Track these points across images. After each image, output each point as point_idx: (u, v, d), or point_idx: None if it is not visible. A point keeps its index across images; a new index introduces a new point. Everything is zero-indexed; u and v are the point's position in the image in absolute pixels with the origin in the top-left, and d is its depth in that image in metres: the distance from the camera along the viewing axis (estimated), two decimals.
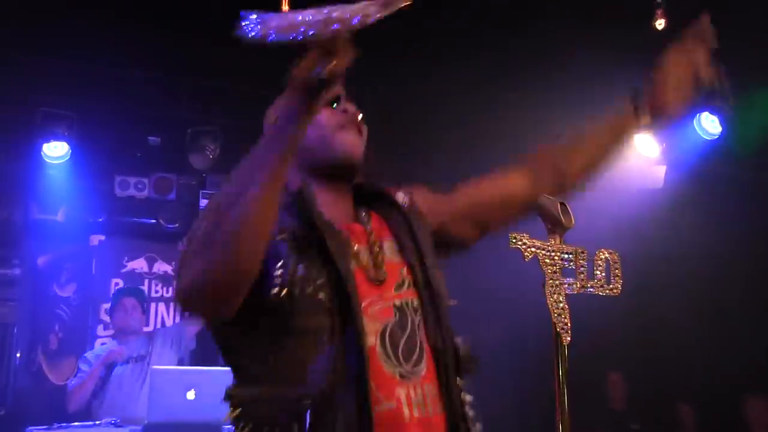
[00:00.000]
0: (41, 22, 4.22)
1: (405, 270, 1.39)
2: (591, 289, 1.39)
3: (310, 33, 1.00)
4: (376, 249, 1.38)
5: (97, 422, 3.71)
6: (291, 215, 1.31)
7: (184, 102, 5.16)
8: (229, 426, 1.30)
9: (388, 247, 1.42)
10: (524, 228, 1.58)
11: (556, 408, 1.31)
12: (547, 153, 1.66)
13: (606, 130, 1.66)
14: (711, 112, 5.01)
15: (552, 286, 1.38)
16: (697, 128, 5.13)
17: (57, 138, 4.98)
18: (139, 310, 4.34)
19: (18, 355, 5.47)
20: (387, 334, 1.30)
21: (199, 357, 4.54)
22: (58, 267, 5.67)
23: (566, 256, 1.39)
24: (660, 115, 1.60)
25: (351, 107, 1.44)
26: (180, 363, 4.24)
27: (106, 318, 5.28)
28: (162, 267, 5.87)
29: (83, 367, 4.09)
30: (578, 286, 1.38)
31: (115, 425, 3.58)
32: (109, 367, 4.04)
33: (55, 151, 5.04)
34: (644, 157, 5.40)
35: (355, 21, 1.01)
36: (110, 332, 4.94)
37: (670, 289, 5.53)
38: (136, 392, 3.94)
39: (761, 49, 4.13)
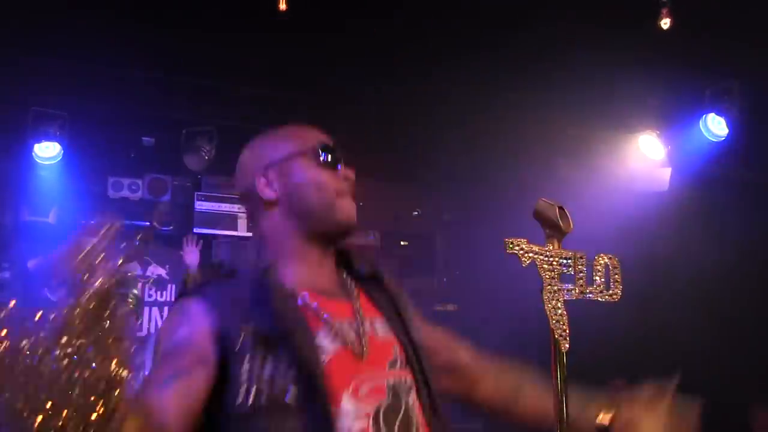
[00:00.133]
0: (32, 21, 4.17)
1: (398, 348, 1.37)
2: (590, 295, 1.32)
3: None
4: (367, 326, 1.36)
5: None
6: (258, 300, 1.26)
7: (179, 102, 5.09)
8: None
9: (380, 326, 1.40)
10: (523, 234, 1.52)
11: (555, 416, 1.25)
12: (521, 388, 1.62)
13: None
14: (717, 114, 4.94)
15: (550, 292, 1.31)
16: (703, 130, 5.07)
17: (49, 138, 4.88)
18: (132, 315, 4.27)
19: None
20: (381, 416, 1.26)
21: None
22: (49, 270, 5.60)
23: (564, 261, 1.32)
24: None
25: (352, 175, 1.44)
26: None
27: None
28: (156, 270, 5.80)
29: None
30: (577, 291, 1.31)
31: None
32: None
33: (47, 151, 4.95)
34: (649, 159, 5.36)
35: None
36: None
37: (673, 294, 5.46)
38: None
39: (761, 49, 4.09)
